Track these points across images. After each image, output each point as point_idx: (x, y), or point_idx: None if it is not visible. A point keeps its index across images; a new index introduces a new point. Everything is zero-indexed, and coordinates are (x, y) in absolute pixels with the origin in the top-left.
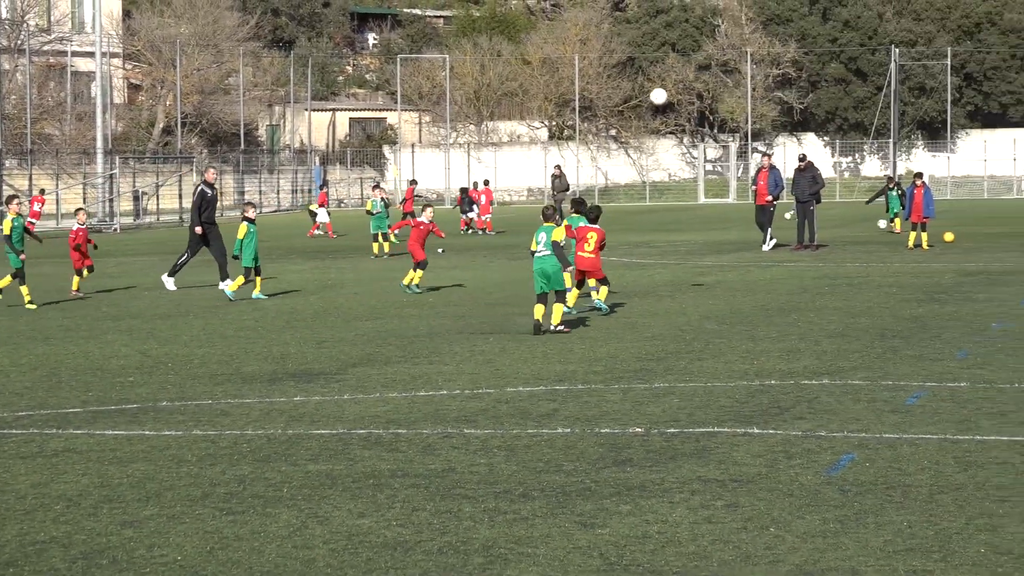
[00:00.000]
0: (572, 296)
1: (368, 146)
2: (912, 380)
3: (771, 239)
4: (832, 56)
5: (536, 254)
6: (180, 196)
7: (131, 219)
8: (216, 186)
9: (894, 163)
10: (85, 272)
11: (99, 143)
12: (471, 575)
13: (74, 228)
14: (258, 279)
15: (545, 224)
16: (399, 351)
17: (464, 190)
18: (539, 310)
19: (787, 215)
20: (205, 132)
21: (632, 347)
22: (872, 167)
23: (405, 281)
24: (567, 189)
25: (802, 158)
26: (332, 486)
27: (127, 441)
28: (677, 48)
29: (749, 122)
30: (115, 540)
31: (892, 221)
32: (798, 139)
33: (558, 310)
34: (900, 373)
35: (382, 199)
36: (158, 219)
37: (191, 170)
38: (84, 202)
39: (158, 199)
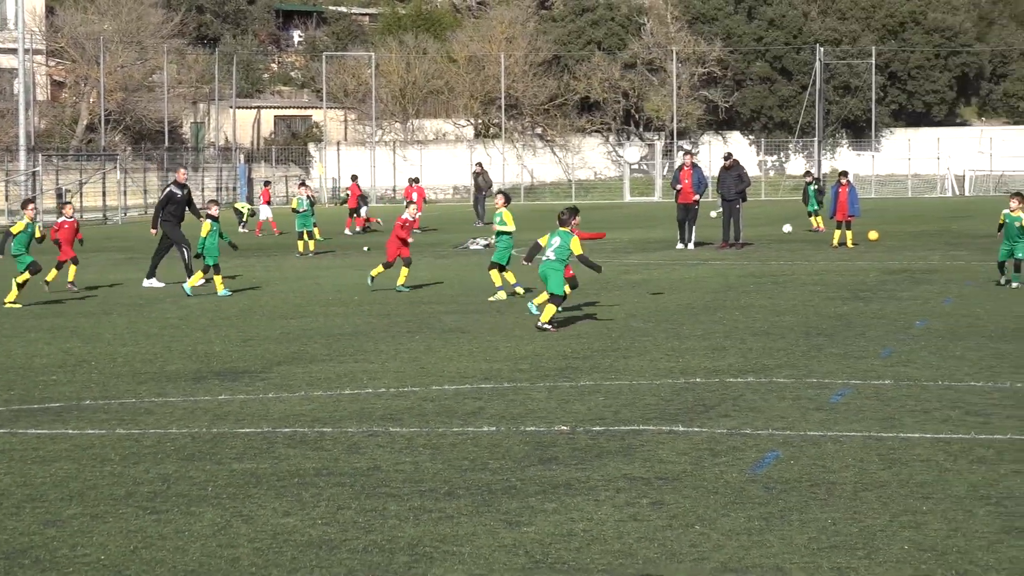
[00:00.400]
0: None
1: (293, 144)
2: (837, 378)
3: (692, 238)
4: (757, 55)
5: (544, 257)
6: (104, 194)
7: (54, 217)
8: (188, 186)
9: (819, 162)
10: (72, 267)
11: (22, 140)
12: (396, 573)
13: (59, 220)
14: (218, 277)
15: (561, 229)
16: (324, 349)
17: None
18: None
19: (712, 214)
20: (129, 129)
21: (558, 345)
22: (797, 166)
23: (400, 281)
24: (490, 186)
25: (728, 157)
26: (257, 485)
27: (50, 440)
28: (603, 47)
29: (675, 121)
30: (38, 540)
31: (815, 215)
32: (723, 138)
33: (550, 310)
34: (825, 371)
35: (308, 197)
36: (81, 216)
37: (115, 167)
38: (6, 200)
39: (81, 196)
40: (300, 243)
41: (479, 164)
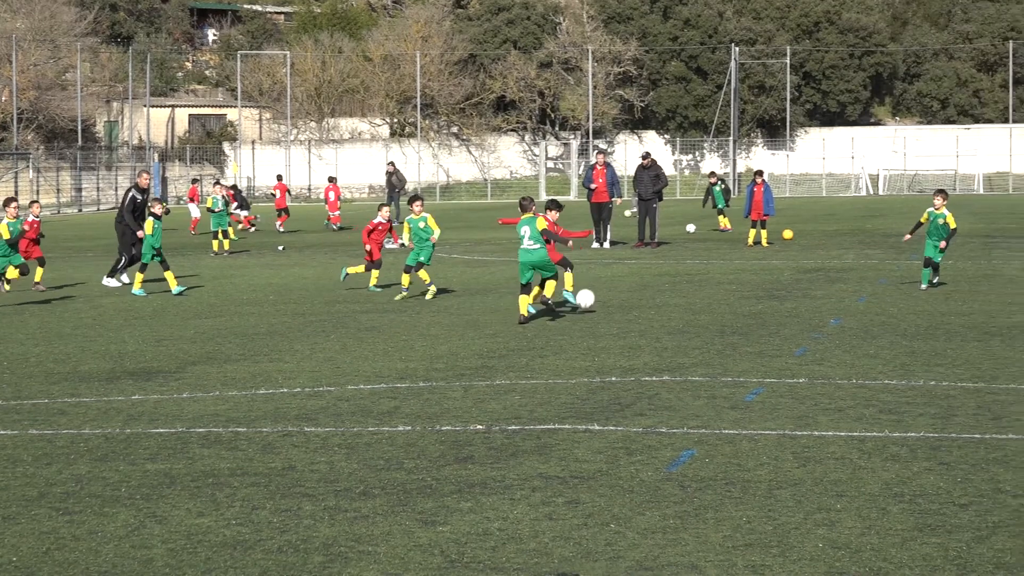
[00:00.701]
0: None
1: (208, 143)
2: (751, 376)
3: (608, 237)
4: (673, 54)
5: (521, 247)
6: (16, 193)
7: None
8: (148, 191)
9: (734, 161)
10: (39, 268)
11: None
12: (311, 574)
13: (28, 219)
14: (169, 273)
15: (525, 216)
16: (239, 349)
17: (235, 187)
18: (524, 301)
19: (627, 212)
20: (42, 128)
21: (474, 344)
22: (712, 165)
23: (371, 283)
24: (404, 185)
25: (646, 156)
26: (171, 485)
27: None
28: (519, 45)
29: (590, 120)
30: None
31: (721, 213)
32: (639, 137)
33: (568, 278)
34: (739, 370)
35: (222, 196)
36: None
37: (27, 167)
38: None
39: None
40: (215, 242)
41: (391, 163)
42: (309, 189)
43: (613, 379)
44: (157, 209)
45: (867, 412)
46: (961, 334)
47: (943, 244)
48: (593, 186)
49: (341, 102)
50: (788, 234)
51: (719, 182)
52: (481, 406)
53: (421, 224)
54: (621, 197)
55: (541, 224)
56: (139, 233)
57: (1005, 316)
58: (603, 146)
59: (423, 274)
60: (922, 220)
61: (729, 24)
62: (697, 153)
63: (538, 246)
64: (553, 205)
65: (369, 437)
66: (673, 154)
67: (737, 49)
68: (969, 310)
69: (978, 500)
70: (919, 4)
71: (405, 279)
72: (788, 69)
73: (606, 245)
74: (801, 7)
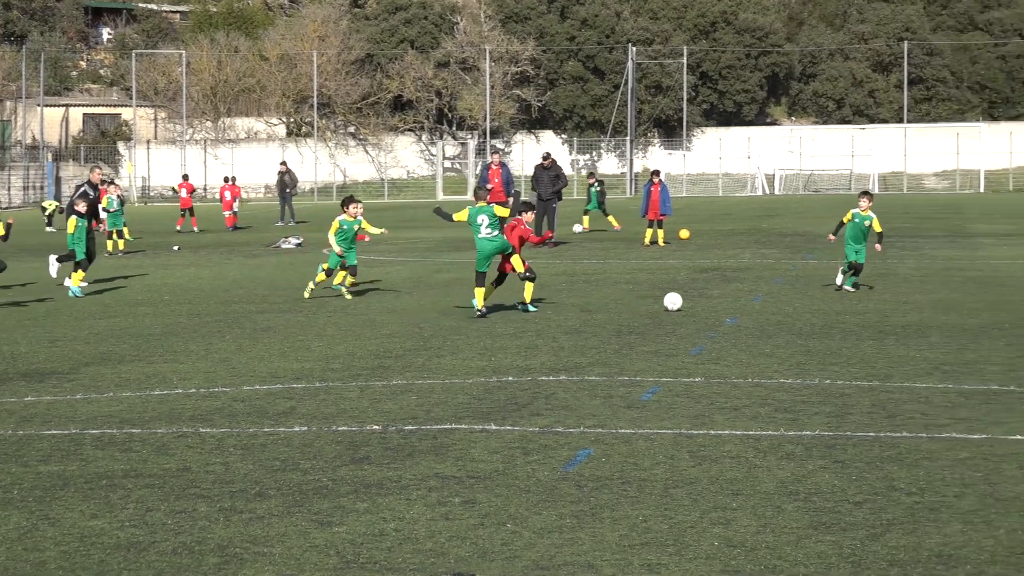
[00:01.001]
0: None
1: (102, 143)
2: (648, 376)
3: None
4: (570, 54)
5: (479, 236)
6: None
7: None
8: (101, 187)
9: (630, 160)
10: None
11: None
12: (206, 575)
13: None
14: (78, 274)
15: (479, 205)
16: (133, 350)
17: (186, 179)
18: (480, 293)
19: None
20: None
21: (370, 344)
22: (610, 164)
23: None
24: (296, 184)
25: (546, 156)
26: (64, 487)
27: None
28: (416, 45)
29: (487, 119)
30: None
31: (586, 213)
32: (536, 137)
33: (529, 288)
34: (636, 369)
35: (118, 196)
36: None
37: None
38: None
39: None
40: (109, 242)
41: (283, 163)
42: (205, 189)
43: (510, 379)
44: (80, 207)
45: (763, 411)
46: (856, 333)
47: (878, 247)
48: (489, 186)
49: (237, 102)
50: (685, 234)
51: (597, 183)
52: (377, 406)
53: (356, 227)
54: (512, 197)
55: (500, 211)
56: (95, 225)
57: (899, 315)
58: (500, 146)
59: (341, 276)
60: (844, 220)
61: (626, 24)
62: (594, 153)
63: (496, 232)
64: (526, 207)
65: (265, 438)
66: (570, 154)
67: (634, 49)
68: (864, 309)
69: (872, 498)
70: (815, 5)
71: (321, 276)
72: (685, 69)
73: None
74: (698, 7)
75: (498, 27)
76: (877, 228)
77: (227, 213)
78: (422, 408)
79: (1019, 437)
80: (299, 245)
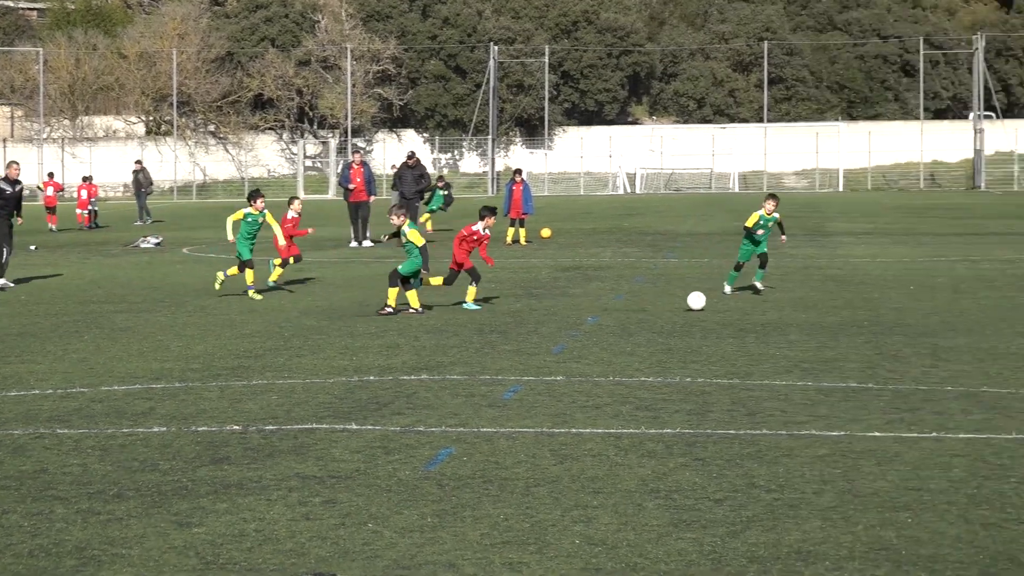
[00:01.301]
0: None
1: None
2: (509, 375)
3: (367, 236)
4: (432, 53)
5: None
6: None
7: None
8: (21, 182)
9: (492, 159)
10: None
11: None
12: None
13: None
14: None
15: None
16: None
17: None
18: (393, 293)
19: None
20: None
21: (230, 344)
22: (471, 163)
23: (271, 279)
24: (151, 184)
25: (411, 155)
26: None
27: None
28: (277, 43)
29: (349, 118)
30: None
31: (432, 213)
32: (398, 136)
33: (472, 291)
34: (498, 368)
35: None
36: None
37: None
38: None
39: None
40: None
41: (138, 162)
42: (64, 188)
43: (371, 378)
44: None
45: (624, 409)
46: (716, 331)
47: (783, 238)
48: (351, 186)
49: (96, 100)
50: (546, 232)
51: (445, 186)
52: (237, 406)
53: (260, 220)
54: (373, 195)
55: (413, 237)
56: (18, 220)
57: (759, 313)
58: (362, 145)
59: (249, 274)
60: (749, 224)
61: (488, 23)
62: (456, 152)
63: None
64: (487, 212)
65: (123, 439)
66: (432, 153)
67: (496, 48)
68: (724, 307)
69: (732, 495)
70: (676, 4)
71: (233, 270)
72: (547, 68)
73: (366, 244)
74: (560, 7)
75: (359, 26)
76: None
77: (82, 211)
78: (283, 408)
79: (877, 434)
80: (158, 244)
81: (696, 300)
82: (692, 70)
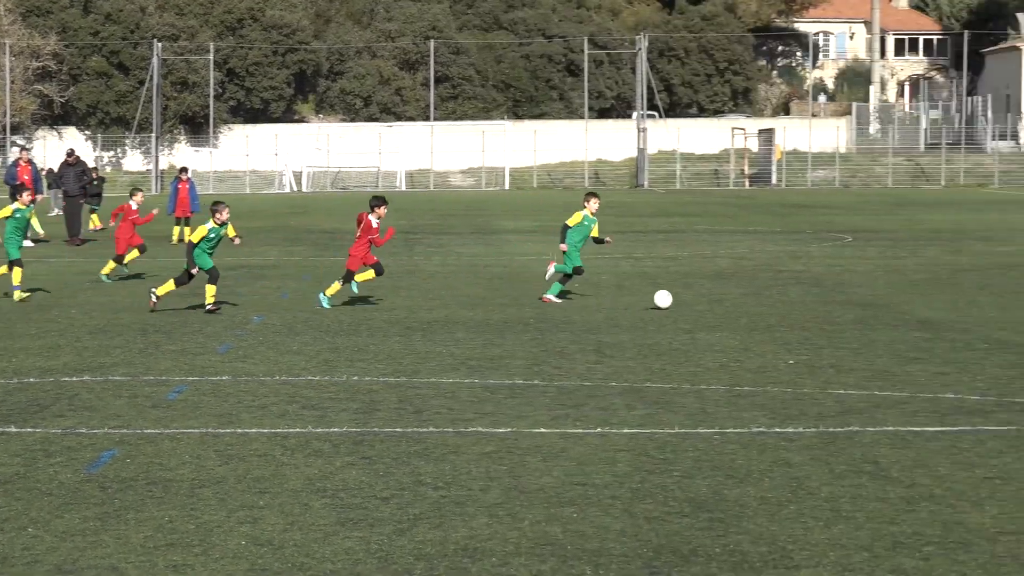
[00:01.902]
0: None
1: None
2: (174, 375)
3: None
4: (94, 49)
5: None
6: None
7: None
8: None
9: (156, 158)
10: None
11: None
12: None
13: None
14: None
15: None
16: None
17: None
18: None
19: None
20: None
21: None
22: (135, 161)
23: (104, 271)
24: None
25: (70, 153)
26: None
27: None
28: None
29: (8, 116)
30: None
31: (94, 213)
32: (59, 133)
33: (364, 276)
34: (162, 368)
35: None
36: None
37: None
38: None
39: None
40: None
41: None
42: None
43: (31, 380)
44: None
45: (291, 408)
46: (383, 329)
47: (609, 240)
48: (19, 183)
49: None
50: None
51: (98, 181)
52: None
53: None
54: (42, 193)
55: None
56: None
57: (426, 311)
58: (21, 142)
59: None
60: (571, 224)
61: (152, 20)
62: (119, 150)
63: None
64: (379, 202)
65: None
66: (95, 150)
67: (160, 45)
68: (392, 306)
69: (399, 493)
70: (342, 2)
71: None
72: (212, 66)
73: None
74: (224, 4)
75: (19, 21)
76: (595, 233)
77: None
78: None
79: (542, 430)
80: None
81: (663, 299)
82: (358, 68)
